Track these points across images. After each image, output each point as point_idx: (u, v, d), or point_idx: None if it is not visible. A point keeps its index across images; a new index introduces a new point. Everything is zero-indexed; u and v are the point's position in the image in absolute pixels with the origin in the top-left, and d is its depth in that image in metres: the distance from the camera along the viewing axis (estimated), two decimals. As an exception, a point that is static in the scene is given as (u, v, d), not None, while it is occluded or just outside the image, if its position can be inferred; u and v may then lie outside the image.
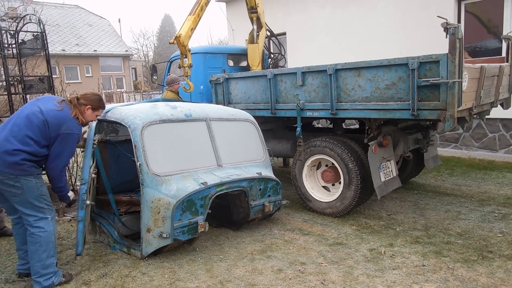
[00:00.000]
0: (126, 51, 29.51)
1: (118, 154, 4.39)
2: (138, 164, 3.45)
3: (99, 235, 3.99)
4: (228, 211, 4.38)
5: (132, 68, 31.85)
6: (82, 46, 26.61)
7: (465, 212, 4.76)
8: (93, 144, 3.51)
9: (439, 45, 7.83)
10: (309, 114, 4.83)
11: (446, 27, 3.52)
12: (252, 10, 6.51)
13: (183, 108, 4.08)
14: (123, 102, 23.93)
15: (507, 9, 7.37)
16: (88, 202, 3.37)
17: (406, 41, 8.47)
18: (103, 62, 28.03)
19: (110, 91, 23.85)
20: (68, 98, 3.26)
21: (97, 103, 3.26)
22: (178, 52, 7.27)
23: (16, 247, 3.28)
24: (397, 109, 4.02)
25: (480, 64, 4.19)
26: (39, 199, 3.00)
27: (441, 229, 4.25)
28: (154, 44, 44.35)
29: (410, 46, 8.30)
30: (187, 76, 5.62)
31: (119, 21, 36.60)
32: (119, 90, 27.41)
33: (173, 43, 5.76)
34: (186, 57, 5.85)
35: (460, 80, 3.59)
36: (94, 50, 27.13)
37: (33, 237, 2.99)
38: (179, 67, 6.08)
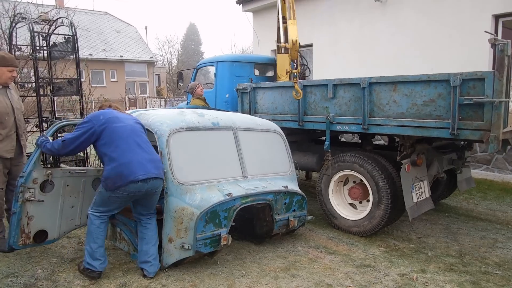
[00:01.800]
0: (151, 57, 30.00)
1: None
2: (163, 171, 3.34)
3: (119, 242, 3.89)
4: (250, 224, 4.23)
5: (156, 74, 32.34)
6: (109, 51, 27.17)
7: (502, 240, 4.46)
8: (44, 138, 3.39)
9: (471, 64, 7.63)
10: (338, 127, 4.66)
11: (494, 43, 3.32)
12: (284, 20, 6.40)
13: (210, 116, 3.98)
14: (146, 107, 24.23)
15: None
16: (26, 195, 3.25)
17: (436, 59, 8.22)
18: (128, 68, 28.54)
19: (134, 96, 24.21)
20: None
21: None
22: (205, 59, 7.26)
23: (98, 245, 3.27)
24: (435, 127, 3.81)
25: (526, 83, 3.94)
26: None
27: (477, 257, 3.98)
28: (178, 51, 45.07)
29: (440, 64, 8.06)
30: (296, 82, 5.25)
31: (146, 28, 37.41)
32: (143, 95, 27.83)
33: (287, 46, 5.45)
34: (294, 63, 5.59)
35: (508, 100, 3.37)
36: (120, 56, 27.67)
37: (152, 226, 3.42)
38: (286, 73, 5.75)
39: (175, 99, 26.89)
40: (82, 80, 5.01)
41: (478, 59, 7.80)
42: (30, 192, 3.30)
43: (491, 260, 3.90)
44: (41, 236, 3.43)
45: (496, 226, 4.94)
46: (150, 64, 30.09)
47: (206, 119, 3.86)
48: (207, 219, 3.35)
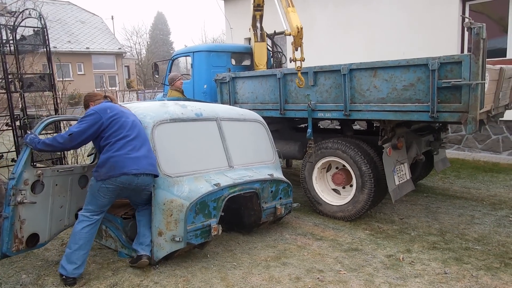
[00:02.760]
0: (119, 48, 29.10)
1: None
2: (149, 165, 3.27)
3: (105, 239, 3.80)
4: (238, 214, 4.22)
5: (125, 66, 31.44)
6: (74, 43, 26.14)
7: (478, 216, 4.66)
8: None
9: (442, 46, 7.87)
10: (320, 115, 4.69)
11: (470, 27, 3.40)
12: (258, 7, 6.33)
13: (193, 107, 3.91)
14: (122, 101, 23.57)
15: (511, 9, 7.32)
16: (18, 199, 3.11)
17: (409, 42, 8.39)
18: (96, 60, 27.59)
19: (103, 89, 23.45)
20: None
21: None
22: (180, 50, 7.10)
23: (78, 247, 3.14)
24: (415, 111, 3.90)
25: (499, 66, 4.09)
26: None
27: (457, 234, 4.15)
28: (147, 42, 43.93)
29: (413, 46, 8.24)
30: (299, 70, 5.03)
31: (112, 18, 36.01)
32: (112, 88, 27.03)
33: (290, 35, 5.20)
34: (297, 51, 5.38)
35: (484, 81, 3.48)
36: (87, 48, 26.69)
37: (148, 211, 3.42)
38: (290, 61, 5.51)
39: (147, 91, 26.32)
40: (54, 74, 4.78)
41: (448, 42, 8.03)
42: (22, 194, 3.14)
43: (470, 236, 4.07)
44: (32, 240, 3.28)
45: (471, 203, 5.15)
46: (119, 55, 29.20)
47: (189, 110, 3.79)
48: (197, 210, 3.32)
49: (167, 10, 71.41)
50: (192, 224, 3.30)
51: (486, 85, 3.70)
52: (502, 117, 4.83)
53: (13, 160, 5.01)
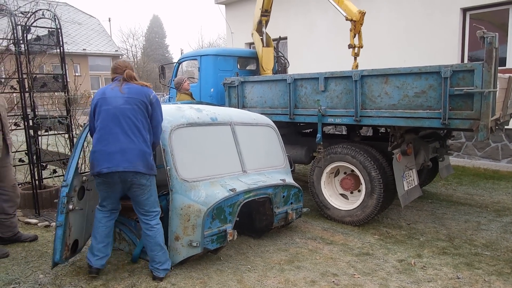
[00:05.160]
0: (116, 51, 29.01)
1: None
2: (167, 169, 3.28)
3: (119, 242, 3.79)
4: (250, 219, 4.24)
5: (121, 68, 31.28)
6: (71, 44, 25.91)
7: (484, 222, 4.73)
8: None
9: (441, 54, 7.99)
10: (330, 120, 4.74)
11: (483, 36, 3.49)
12: (266, 13, 6.40)
13: (208, 111, 3.94)
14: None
15: (511, 19, 7.46)
16: (70, 206, 3.13)
17: (409, 49, 8.51)
18: (92, 62, 27.46)
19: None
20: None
21: None
22: (188, 53, 7.13)
23: (96, 241, 3.17)
24: (426, 117, 3.96)
25: (508, 75, 4.18)
26: (156, 193, 3.27)
27: (465, 240, 4.21)
28: (143, 44, 43.84)
29: (412, 54, 8.36)
30: (356, 57, 5.05)
31: (109, 20, 35.89)
32: (108, 90, 26.85)
33: (352, 20, 5.22)
34: (355, 37, 5.34)
35: (496, 90, 3.56)
36: (83, 49, 26.55)
37: (154, 230, 3.19)
38: (349, 47, 5.35)
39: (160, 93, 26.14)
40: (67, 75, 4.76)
41: (448, 51, 8.16)
42: (72, 201, 3.16)
43: (478, 242, 4.14)
44: (73, 246, 3.32)
45: (476, 209, 5.23)
46: (115, 57, 29.03)
47: (204, 114, 3.81)
48: (214, 215, 3.33)
49: (163, 14, 71.50)
50: (209, 230, 3.31)
51: (497, 93, 3.78)
52: (508, 125, 4.93)
53: (20, 160, 4.98)
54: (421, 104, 3.99)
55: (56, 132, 4.75)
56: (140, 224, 3.28)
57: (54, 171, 5.03)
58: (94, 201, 3.49)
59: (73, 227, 3.22)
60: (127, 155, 2.99)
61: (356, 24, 5.11)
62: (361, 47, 4.98)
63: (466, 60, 8.17)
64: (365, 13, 5.13)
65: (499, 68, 7.57)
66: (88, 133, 3.34)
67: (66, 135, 4.82)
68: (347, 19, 5.18)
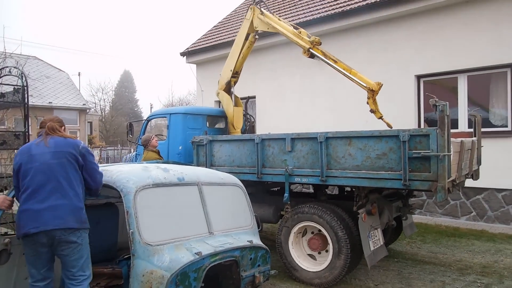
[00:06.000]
0: (83, 104, 28.77)
1: (98, 219, 4.02)
2: (130, 232, 3.16)
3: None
4: (215, 283, 4.06)
5: (88, 122, 30.90)
6: (37, 97, 25.57)
7: (449, 282, 4.78)
8: None
9: (400, 116, 8.50)
10: (297, 180, 4.81)
11: (435, 104, 3.77)
12: (236, 74, 6.67)
13: (175, 171, 3.90)
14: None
15: (460, 86, 8.14)
16: None
17: (368, 112, 8.99)
18: (58, 115, 26.90)
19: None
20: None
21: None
22: (157, 111, 7.20)
23: None
24: (388, 178, 4.11)
25: (460, 139, 4.48)
26: (89, 255, 3.03)
27: (432, 301, 4.21)
28: (112, 98, 43.85)
29: (373, 116, 8.83)
30: (382, 116, 5.54)
31: (79, 74, 35.78)
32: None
33: (371, 89, 5.59)
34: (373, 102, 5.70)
35: (450, 153, 3.78)
36: (49, 102, 26.21)
37: None
38: (371, 112, 5.71)
39: (109, 147, 25.71)
40: (2, 127, 4.64)
41: (405, 115, 8.70)
42: None
43: (445, 303, 4.15)
44: None
45: (440, 268, 5.30)
46: (82, 111, 28.78)
47: (171, 175, 3.77)
48: (177, 282, 3.17)
49: (134, 69, 72.67)
50: (173, 297, 3.14)
51: (452, 156, 4.01)
52: (464, 185, 5.18)
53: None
54: (383, 165, 4.15)
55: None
56: None
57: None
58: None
59: None
60: (57, 211, 2.83)
61: (375, 93, 5.66)
62: (377, 111, 5.70)
63: (422, 122, 8.71)
64: (382, 85, 5.67)
65: (452, 130, 8.15)
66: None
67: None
68: (365, 89, 5.68)
